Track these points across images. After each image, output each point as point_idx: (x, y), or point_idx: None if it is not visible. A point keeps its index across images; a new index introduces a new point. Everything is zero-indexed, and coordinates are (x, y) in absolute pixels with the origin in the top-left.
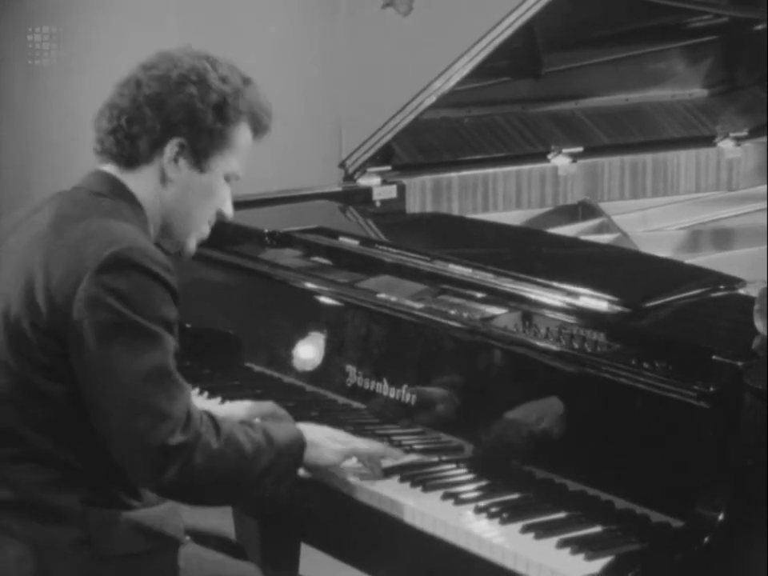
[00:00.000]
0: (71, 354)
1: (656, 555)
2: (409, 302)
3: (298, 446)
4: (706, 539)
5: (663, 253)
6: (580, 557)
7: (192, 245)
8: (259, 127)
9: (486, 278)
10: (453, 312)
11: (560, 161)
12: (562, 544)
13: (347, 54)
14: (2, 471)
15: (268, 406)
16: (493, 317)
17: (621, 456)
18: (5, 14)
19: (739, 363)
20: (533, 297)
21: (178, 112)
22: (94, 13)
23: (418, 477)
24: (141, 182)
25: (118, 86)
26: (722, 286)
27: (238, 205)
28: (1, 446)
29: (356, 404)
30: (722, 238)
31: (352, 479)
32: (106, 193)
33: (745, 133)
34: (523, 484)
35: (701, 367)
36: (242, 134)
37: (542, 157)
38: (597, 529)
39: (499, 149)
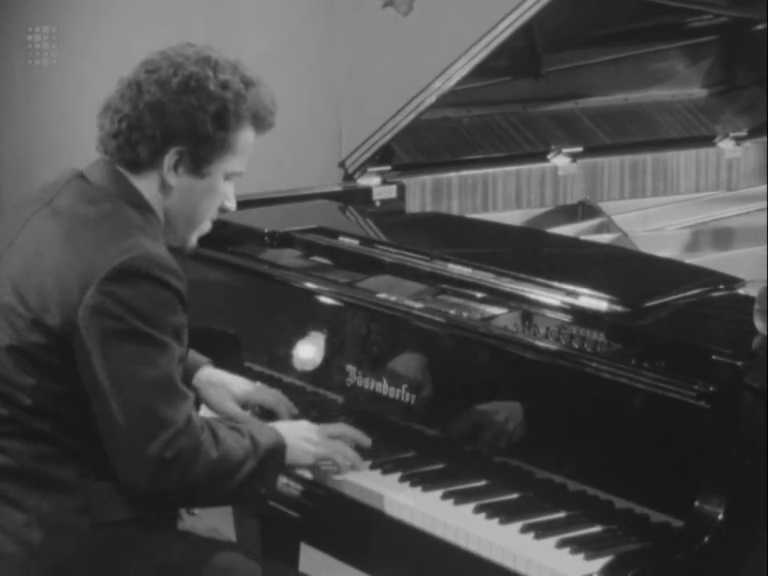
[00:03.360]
0: (77, 360)
1: (656, 555)
2: (409, 302)
3: (281, 450)
4: (706, 539)
5: (663, 253)
6: (580, 556)
7: (194, 241)
8: (262, 126)
9: (486, 277)
10: (453, 312)
11: (560, 161)
12: (562, 544)
13: (347, 54)
14: (2, 443)
15: (274, 395)
16: (493, 317)
17: (621, 456)
18: (5, 14)
19: (739, 363)
20: (533, 297)
21: (178, 121)
22: (94, 13)
23: (417, 476)
24: (145, 185)
25: (119, 87)
26: (721, 286)
27: (238, 205)
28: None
29: (356, 404)
30: (722, 237)
31: (351, 478)
32: (117, 194)
33: (745, 133)
34: (523, 484)
35: (701, 367)
36: (244, 135)
37: (541, 157)
38: (596, 528)
39: (499, 149)
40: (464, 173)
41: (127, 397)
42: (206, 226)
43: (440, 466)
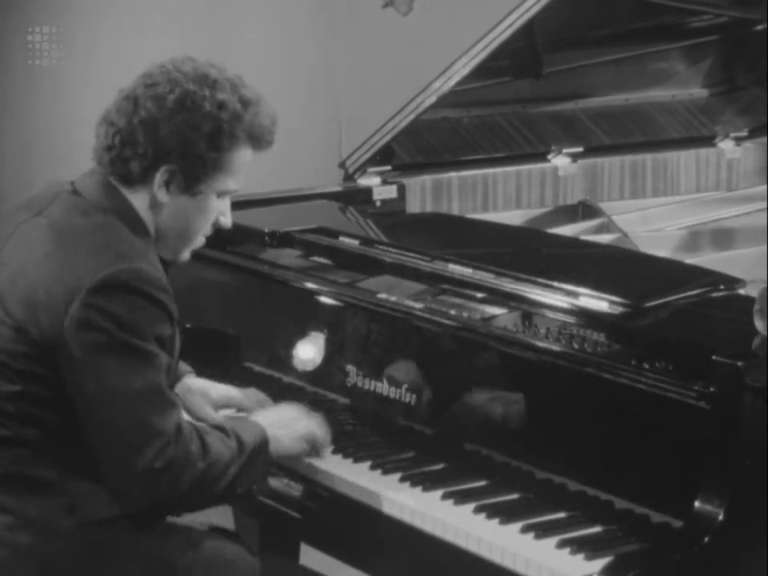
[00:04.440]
0: (62, 372)
1: (656, 555)
2: (409, 302)
3: (265, 445)
4: (706, 539)
5: (663, 253)
6: (580, 557)
7: (186, 256)
8: (260, 145)
9: (486, 277)
10: (453, 312)
11: (560, 161)
12: (562, 544)
13: (347, 54)
14: None
15: (251, 398)
16: (493, 317)
17: (621, 456)
18: (5, 14)
19: (739, 363)
20: (533, 297)
21: (171, 140)
22: (94, 13)
23: (417, 476)
24: (137, 199)
25: (117, 98)
26: (721, 286)
27: (238, 205)
28: None
29: (356, 404)
30: (722, 237)
31: (352, 479)
32: (109, 207)
33: (745, 133)
34: (523, 484)
35: (701, 367)
36: (239, 155)
37: (541, 157)
38: (596, 529)
39: (499, 149)
40: (464, 173)
41: (115, 408)
42: (199, 242)
43: (440, 466)
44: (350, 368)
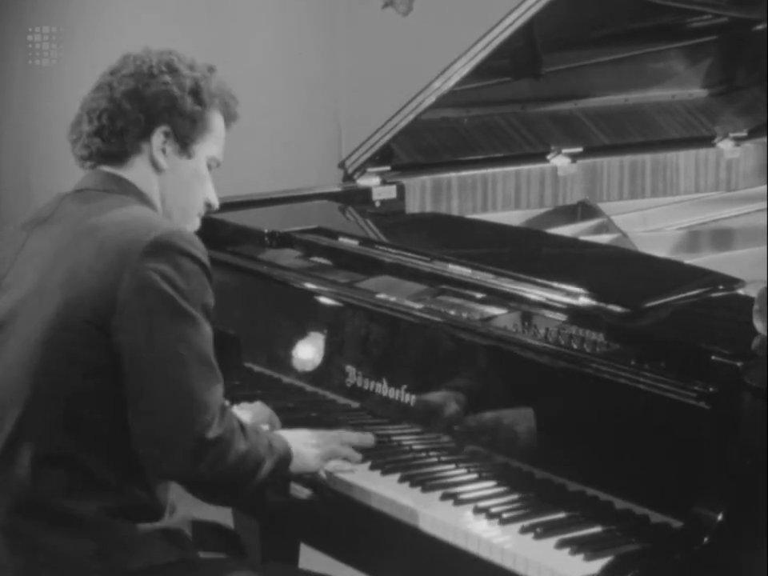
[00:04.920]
0: (119, 342)
1: (655, 555)
2: (408, 302)
3: (290, 457)
4: (706, 539)
5: (663, 253)
6: (579, 557)
7: (192, 227)
8: (229, 113)
9: (486, 278)
10: (453, 312)
11: (559, 161)
12: (562, 544)
13: (347, 54)
14: (21, 474)
15: (258, 412)
16: (492, 317)
17: (620, 456)
18: (5, 14)
19: (739, 363)
20: (532, 297)
21: (158, 101)
22: (94, 13)
23: (417, 477)
24: (137, 174)
25: (89, 94)
26: (721, 286)
27: (239, 205)
28: (21, 446)
29: (355, 404)
30: (722, 237)
31: (350, 478)
32: (114, 190)
33: (744, 133)
34: (523, 484)
35: (700, 367)
36: (217, 118)
37: (541, 157)
38: (596, 529)
39: (499, 149)
40: (464, 173)
41: (170, 376)
42: (196, 222)
43: (439, 466)
44: (350, 368)
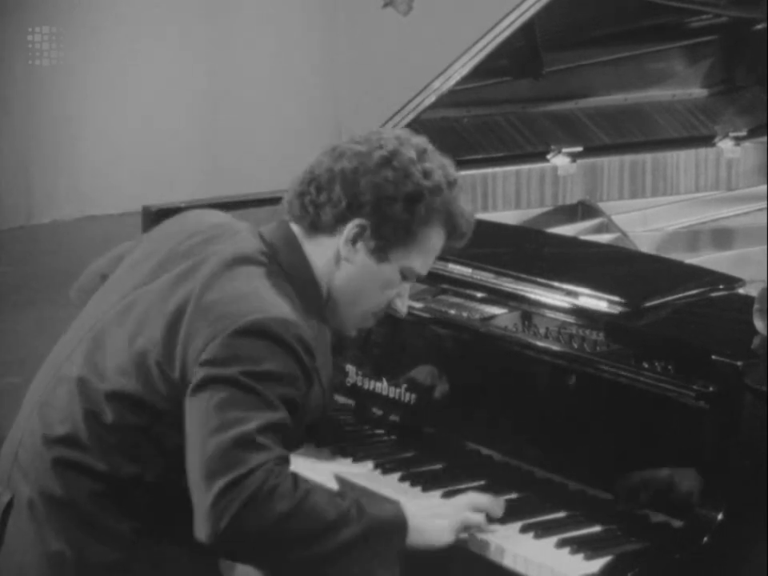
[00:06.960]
0: (185, 403)
1: (655, 555)
2: (409, 302)
3: (398, 527)
4: (706, 539)
5: (663, 253)
6: (579, 556)
7: (352, 332)
8: (454, 232)
9: (486, 277)
10: (453, 312)
11: (559, 161)
12: (562, 543)
13: (347, 54)
14: (65, 473)
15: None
16: (493, 317)
17: (620, 455)
18: (5, 14)
19: (739, 363)
20: (533, 297)
21: (367, 193)
22: (94, 13)
23: (417, 476)
24: (318, 251)
25: (322, 152)
26: (721, 286)
27: (238, 204)
28: (68, 447)
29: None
30: (722, 237)
31: (351, 480)
32: (282, 256)
33: (744, 133)
34: (523, 484)
35: (700, 367)
36: (434, 234)
37: (541, 157)
38: (596, 529)
39: (498, 149)
40: (463, 173)
41: (208, 435)
42: (368, 322)
43: (440, 465)
44: (350, 368)
